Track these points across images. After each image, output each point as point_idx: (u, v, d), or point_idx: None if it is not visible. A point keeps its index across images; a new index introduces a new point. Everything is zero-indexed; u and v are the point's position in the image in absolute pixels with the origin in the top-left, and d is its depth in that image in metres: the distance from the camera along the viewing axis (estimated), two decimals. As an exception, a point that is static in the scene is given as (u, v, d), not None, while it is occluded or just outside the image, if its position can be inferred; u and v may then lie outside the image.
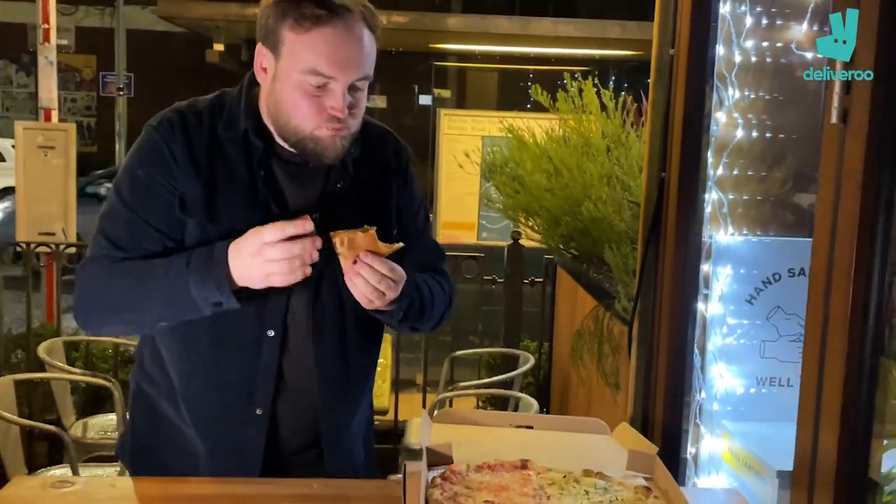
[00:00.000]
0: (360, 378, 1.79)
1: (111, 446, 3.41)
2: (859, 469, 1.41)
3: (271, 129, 1.63)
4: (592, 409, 3.42)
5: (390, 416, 4.26)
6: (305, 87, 1.54)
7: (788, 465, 1.61)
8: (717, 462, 2.16)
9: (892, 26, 1.34)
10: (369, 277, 1.53)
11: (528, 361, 3.72)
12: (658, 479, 1.54)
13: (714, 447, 2.16)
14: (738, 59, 2.12)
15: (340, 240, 1.53)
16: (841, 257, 1.40)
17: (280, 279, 1.52)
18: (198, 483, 1.62)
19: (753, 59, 2.13)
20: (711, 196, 2.16)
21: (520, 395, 3.39)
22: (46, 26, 6.07)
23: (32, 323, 4.72)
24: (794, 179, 2.18)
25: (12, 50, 20.55)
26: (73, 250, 4.86)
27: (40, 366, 3.90)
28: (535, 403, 3.16)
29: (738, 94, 2.14)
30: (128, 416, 1.83)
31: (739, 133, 2.15)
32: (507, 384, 3.72)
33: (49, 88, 6.11)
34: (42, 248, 4.76)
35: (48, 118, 6.06)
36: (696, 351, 2.18)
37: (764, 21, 2.11)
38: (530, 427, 1.82)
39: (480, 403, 4.46)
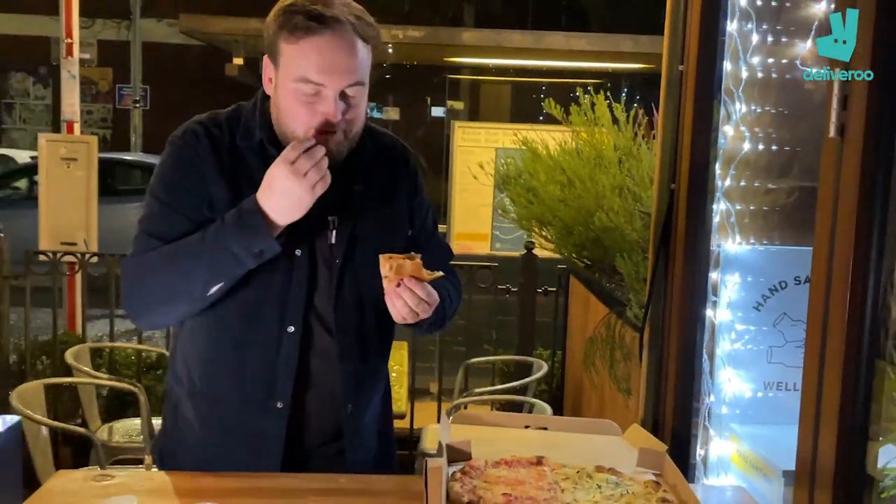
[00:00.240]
0: (378, 372, 1.89)
1: (135, 449, 3.51)
2: (857, 466, 1.46)
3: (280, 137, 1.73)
4: (605, 414, 3.46)
5: (406, 422, 4.33)
6: (299, 95, 1.64)
7: (794, 465, 1.65)
8: (726, 464, 2.19)
9: (889, 28, 1.38)
10: (409, 300, 1.63)
11: (541, 368, 3.79)
12: (667, 474, 1.61)
13: (723, 449, 2.19)
14: (744, 74, 2.16)
15: (390, 265, 1.62)
16: (839, 265, 1.45)
17: (321, 185, 1.62)
18: (230, 478, 1.70)
19: (759, 74, 2.17)
20: (720, 206, 2.19)
21: (534, 400, 3.45)
22: (70, 41, 6.15)
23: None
24: (800, 190, 2.21)
25: (30, 62, 20.79)
26: (96, 259, 4.97)
27: (65, 372, 4.01)
28: (548, 408, 3.22)
29: (744, 109, 2.18)
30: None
31: (746, 146, 2.19)
32: (521, 391, 3.78)
33: (71, 102, 6.20)
34: (68, 258, 4.85)
35: (70, 130, 6.14)
36: (705, 356, 2.22)
37: (769, 38, 2.15)
38: (545, 428, 1.90)
39: (495, 409, 4.52)
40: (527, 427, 1.87)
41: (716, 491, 2.02)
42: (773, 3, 2.14)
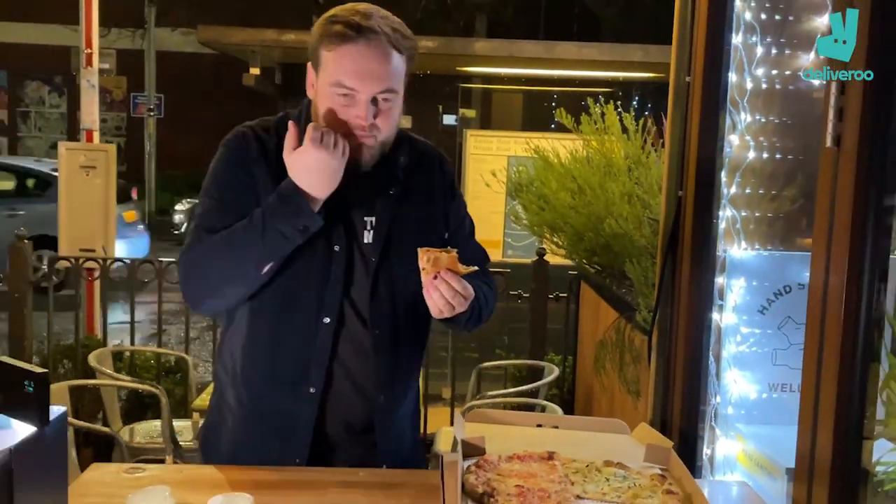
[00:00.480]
0: (410, 367, 1.97)
1: (156, 450, 3.59)
2: (852, 462, 1.52)
3: None
4: (614, 416, 3.48)
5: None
6: (334, 99, 1.76)
7: (796, 463, 1.71)
8: (732, 463, 2.23)
9: (887, 29, 1.43)
10: (445, 292, 1.71)
11: (552, 372, 3.85)
12: (673, 468, 1.68)
13: (729, 449, 2.24)
14: (749, 85, 2.21)
15: (428, 257, 1.70)
16: (835, 271, 1.52)
17: (347, 151, 1.75)
18: (256, 470, 1.78)
19: (764, 85, 2.22)
20: (725, 213, 2.24)
21: (545, 403, 3.51)
22: (89, 51, 6.25)
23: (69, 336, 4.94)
24: (803, 197, 2.24)
25: (46, 71, 20.99)
26: (114, 265, 5.06)
27: (87, 375, 4.11)
28: (559, 411, 3.29)
29: (749, 118, 2.23)
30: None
31: (751, 154, 2.24)
32: (532, 394, 3.85)
33: (91, 111, 6.28)
34: (90, 264, 4.95)
35: (90, 139, 6.23)
36: (712, 358, 2.26)
37: (773, 51, 2.20)
38: (556, 427, 1.97)
39: (507, 412, 4.57)
40: (539, 426, 1.94)
41: (720, 486, 2.08)
42: (777, 17, 2.20)
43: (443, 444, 3.72)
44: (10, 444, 1.15)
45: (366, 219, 1.86)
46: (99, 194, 5.93)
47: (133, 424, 3.98)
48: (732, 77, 2.22)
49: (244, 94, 13.02)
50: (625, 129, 4.05)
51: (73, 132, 19.84)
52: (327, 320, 1.82)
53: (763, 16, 2.19)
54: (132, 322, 4.88)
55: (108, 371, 3.78)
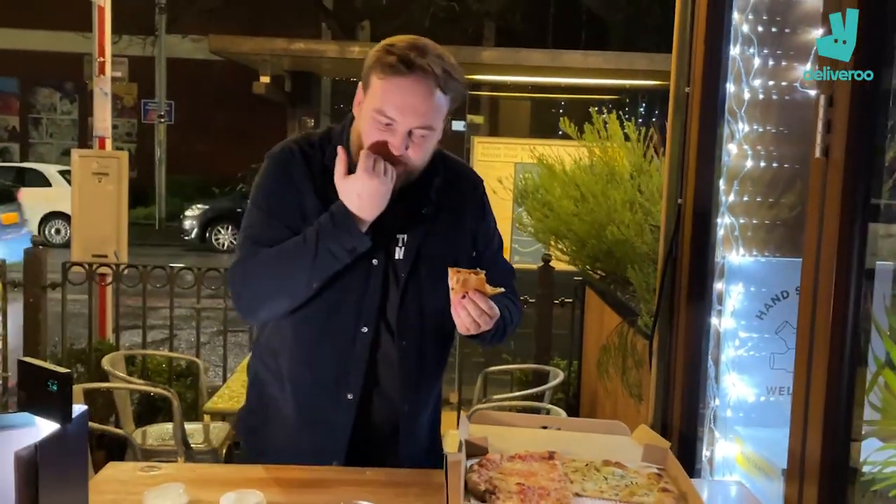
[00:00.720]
0: (434, 378, 2.06)
1: (168, 452, 3.66)
2: (841, 461, 1.57)
3: None
4: (618, 419, 3.54)
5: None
6: (376, 123, 1.84)
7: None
8: (731, 464, 2.27)
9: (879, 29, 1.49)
10: (472, 311, 1.79)
11: (557, 377, 3.90)
12: (669, 468, 1.74)
13: (728, 451, 2.27)
14: (747, 95, 2.26)
15: (457, 278, 1.78)
16: (824, 278, 1.57)
17: (395, 175, 1.83)
18: (266, 468, 1.84)
19: (761, 96, 2.27)
20: (724, 220, 2.29)
21: (550, 406, 3.56)
22: (102, 59, 6.31)
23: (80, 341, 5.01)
24: (799, 205, 2.26)
25: (58, 78, 21.17)
26: (126, 272, 5.14)
27: (99, 379, 4.18)
28: (563, 414, 3.34)
29: (747, 128, 2.28)
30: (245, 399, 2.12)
31: (749, 163, 2.28)
32: (538, 398, 3.90)
33: (104, 118, 6.34)
34: (103, 269, 5.02)
35: (102, 146, 6.28)
36: (711, 362, 2.31)
37: (770, 62, 2.25)
38: (558, 429, 2.03)
39: (512, 417, 4.61)
40: (545, 427, 2.00)
41: (718, 486, 2.13)
42: (773, 30, 2.25)
43: (449, 447, 3.76)
44: (36, 440, 1.21)
45: (398, 236, 1.94)
46: (111, 201, 5.99)
47: (145, 427, 4.04)
48: (730, 87, 2.27)
49: (254, 101, 13.13)
50: (627, 138, 4.10)
51: (84, 138, 19.99)
52: (365, 330, 1.91)
53: (760, 28, 2.24)
54: (144, 326, 4.95)
55: (121, 374, 3.85)
